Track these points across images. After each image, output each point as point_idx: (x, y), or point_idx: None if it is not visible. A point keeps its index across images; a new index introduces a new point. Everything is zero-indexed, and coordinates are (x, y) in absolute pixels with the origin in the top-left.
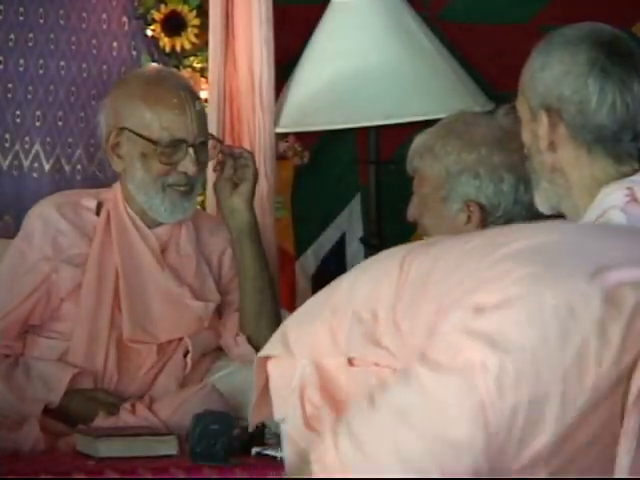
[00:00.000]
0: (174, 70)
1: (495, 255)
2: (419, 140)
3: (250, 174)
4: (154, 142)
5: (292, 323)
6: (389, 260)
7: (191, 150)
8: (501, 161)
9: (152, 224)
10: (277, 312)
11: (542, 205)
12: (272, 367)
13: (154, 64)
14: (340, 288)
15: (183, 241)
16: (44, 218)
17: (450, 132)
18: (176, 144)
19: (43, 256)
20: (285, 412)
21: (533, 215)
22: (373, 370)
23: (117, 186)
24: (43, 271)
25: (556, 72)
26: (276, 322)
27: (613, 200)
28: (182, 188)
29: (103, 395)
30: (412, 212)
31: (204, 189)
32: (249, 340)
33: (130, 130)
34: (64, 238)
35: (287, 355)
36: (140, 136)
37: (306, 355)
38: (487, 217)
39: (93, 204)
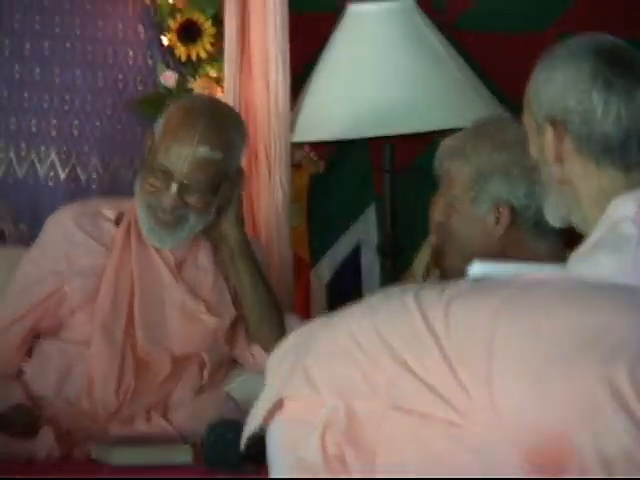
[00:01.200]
0: (220, 109)
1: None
2: (448, 142)
3: (235, 196)
4: (150, 160)
5: (314, 361)
6: (403, 301)
7: (174, 186)
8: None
9: None
10: (280, 321)
11: (552, 217)
12: (291, 403)
13: (215, 97)
14: (362, 329)
15: (201, 255)
16: (60, 229)
17: (482, 134)
18: (165, 173)
19: (55, 270)
20: (301, 445)
21: None
22: (426, 420)
23: None
24: (54, 284)
25: (560, 85)
26: (279, 330)
27: (623, 211)
28: (160, 215)
29: (20, 414)
30: (438, 214)
31: None
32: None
33: (152, 141)
34: (79, 250)
35: (312, 393)
36: (150, 150)
37: (335, 394)
38: (517, 218)
39: (113, 214)
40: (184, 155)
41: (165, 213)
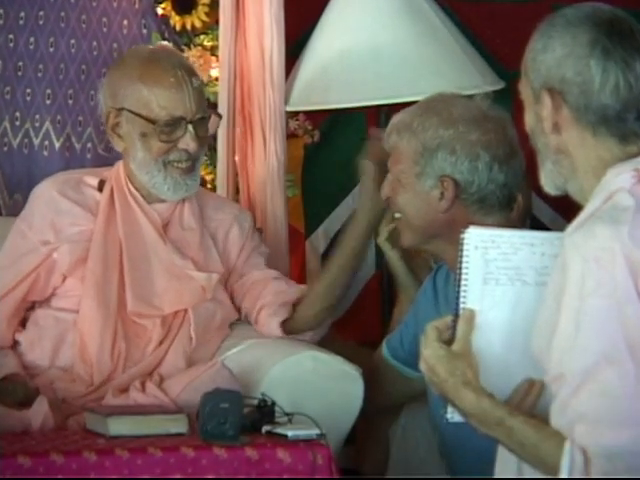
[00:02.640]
0: (169, 47)
1: None
2: (397, 118)
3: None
4: (153, 121)
5: None
6: None
7: (190, 127)
8: (477, 139)
9: (154, 200)
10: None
11: (547, 185)
12: None
13: (162, 43)
14: None
15: (186, 215)
16: (45, 199)
17: (428, 109)
18: (175, 122)
19: (43, 239)
20: None
21: (506, 194)
22: None
23: (120, 164)
24: (42, 253)
25: (558, 54)
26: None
27: (620, 182)
28: (183, 165)
29: (14, 384)
30: (386, 189)
31: (214, 167)
32: (294, 324)
33: (129, 110)
34: (65, 217)
35: None
36: (139, 116)
37: None
38: (460, 193)
39: (95, 181)
40: (187, 95)
41: (189, 159)
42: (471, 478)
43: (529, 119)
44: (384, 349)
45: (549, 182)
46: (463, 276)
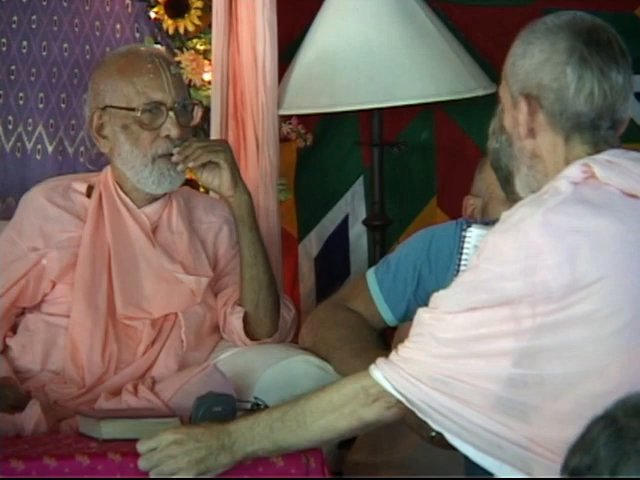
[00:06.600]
0: (146, 44)
1: None
2: None
3: (222, 159)
4: (133, 109)
5: None
6: None
7: (171, 113)
8: None
9: (143, 203)
10: (274, 300)
11: (522, 190)
12: None
13: (155, 47)
14: None
15: (174, 219)
16: (33, 206)
17: None
18: (155, 108)
19: (32, 246)
20: None
21: None
22: None
23: (107, 169)
24: (32, 260)
25: (536, 60)
26: (274, 310)
27: (567, 172)
28: (163, 158)
29: (5, 388)
30: None
31: None
32: (248, 327)
33: (111, 106)
34: (54, 224)
35: None
36: (120, 108)
37: None
38: None
39: (83, 187)
40: (165, 80)
41: (168, 153)
42: (471, 478)
43: (507, 123)
44: (371, 276)
45: (524, 186)
46: (460, 272)
